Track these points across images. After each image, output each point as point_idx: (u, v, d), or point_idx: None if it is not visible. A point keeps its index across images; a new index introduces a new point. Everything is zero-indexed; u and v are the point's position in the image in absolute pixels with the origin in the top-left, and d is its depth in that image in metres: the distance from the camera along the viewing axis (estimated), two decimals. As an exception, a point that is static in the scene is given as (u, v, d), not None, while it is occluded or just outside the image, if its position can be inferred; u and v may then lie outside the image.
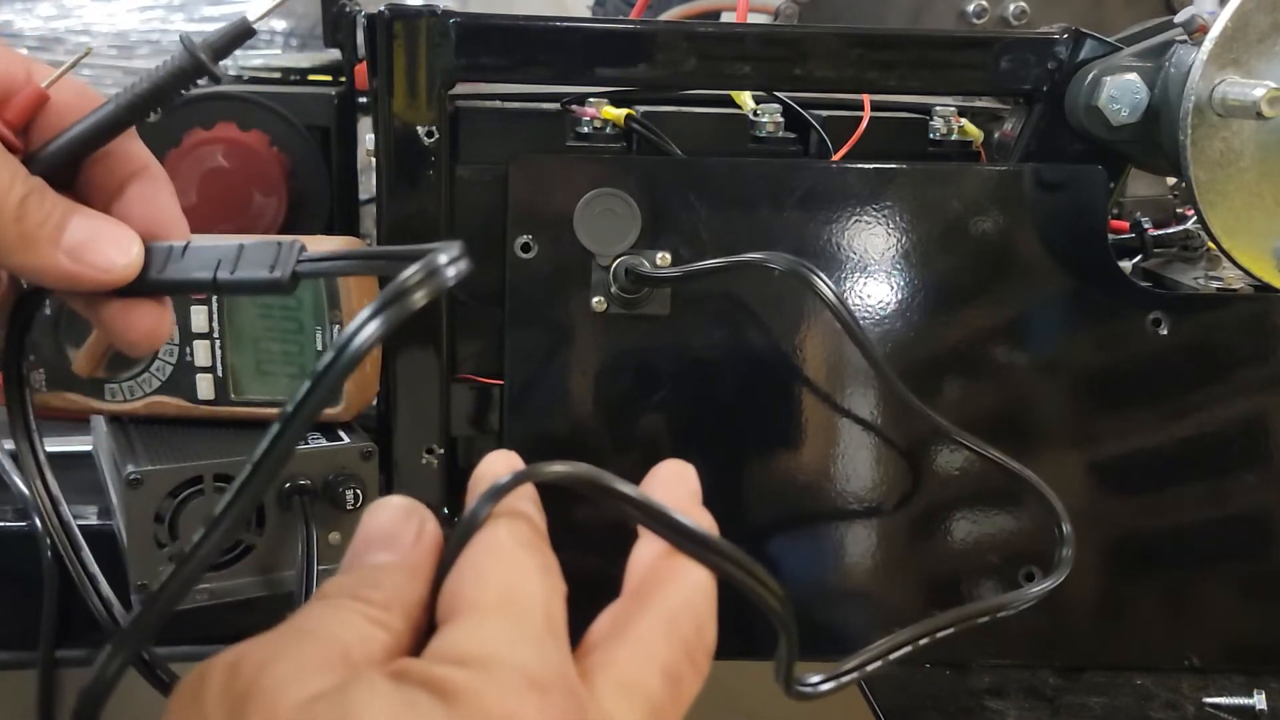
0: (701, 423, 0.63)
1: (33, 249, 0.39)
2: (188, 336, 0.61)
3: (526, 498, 0.34)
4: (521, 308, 0.62)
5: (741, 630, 0.65)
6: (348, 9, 0.70)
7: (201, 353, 0.61)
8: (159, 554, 0.58)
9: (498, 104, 0.65)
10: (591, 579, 0.36)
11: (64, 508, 0.47)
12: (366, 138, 0.71)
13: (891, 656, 0.46)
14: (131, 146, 0.43)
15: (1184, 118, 0.57)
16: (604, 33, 0.62)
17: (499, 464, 0.37)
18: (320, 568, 0.59)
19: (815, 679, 0.40)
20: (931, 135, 0.66)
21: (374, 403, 0.65)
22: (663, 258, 0.61)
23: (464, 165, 0.62)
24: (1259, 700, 0.64)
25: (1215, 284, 0.67)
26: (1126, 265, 0.71)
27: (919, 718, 0.64)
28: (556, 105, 0.64)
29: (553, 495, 0.36)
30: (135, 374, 0.62)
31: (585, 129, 0.63)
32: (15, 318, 0.43)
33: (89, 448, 0.69)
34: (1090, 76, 0.61)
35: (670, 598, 0.33)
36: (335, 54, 0.77)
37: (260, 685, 0.27)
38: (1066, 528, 0.58)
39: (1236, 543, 0.65)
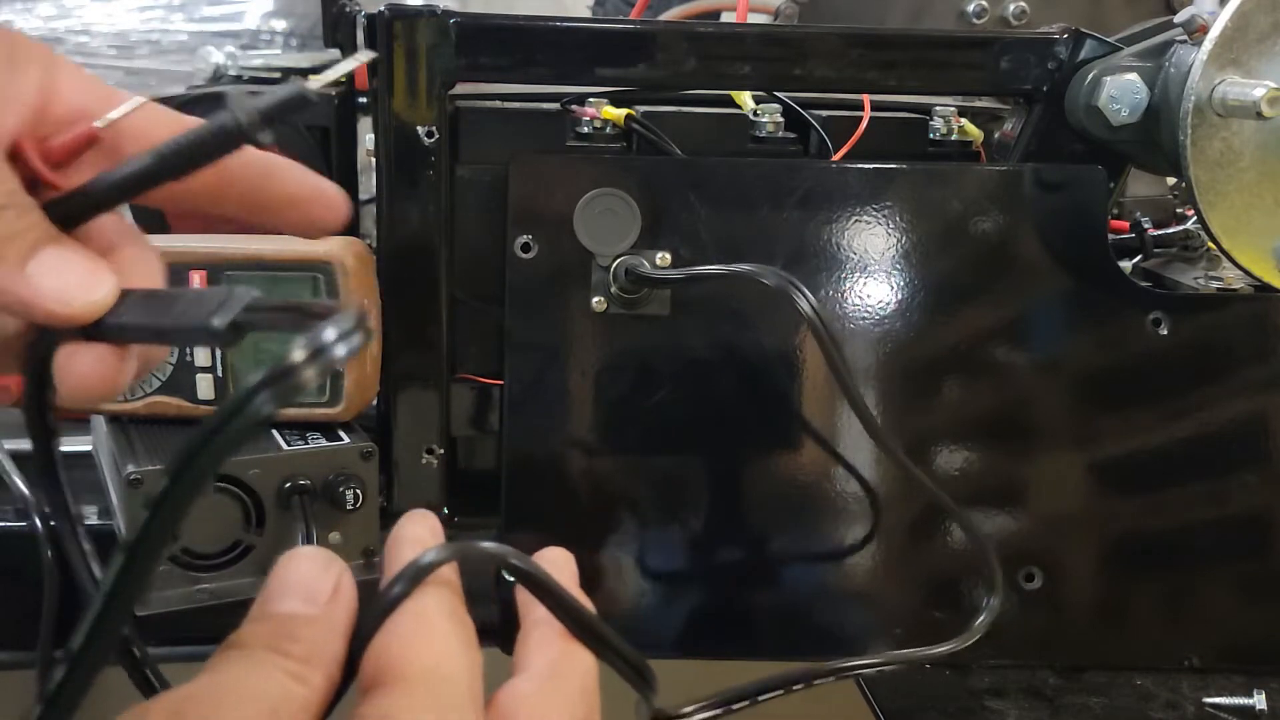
0: (701, 423, 0.63)
1: None
2: (188, 336, 0.61)
3: (450, 564, 0.34)
4: (521, 308, 0.62)
5: (741, 631, 0.66)
6: (348, 9, 0.70)
7: (201, 353, 0.61)
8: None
9: (498, 104, 0.65)
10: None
11: (94, 565, 0.44)
12: (366, 138, 0.71)
13: (735, 707, 0.47)
14: (116, 228, 0.41)
15: (1184, 118, 0.57)
16: (604, 33, 0.62)
17: (419, 527, 0.37)
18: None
19: None
20: (931, 135, 0.66)
21: (374, 403, 0.65)
22: (663, 258, 0.61)
23: (464, 165, 0.62)
24: (1259, 700, 0.64)
25: (1215, 284, 0.67)
26: (1126, 265, 0.71)
27: (919, 718, 0.64)
28: (556, 105, 0.64)
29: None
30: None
31: (585, 129, 0.63)
32: (35, 350, 0.40)
33: (89, 448, 0.69)
34: (1090, 76, 0.61)
35: (572, 681, 0.34)
36: (335, 54, 0.77)
37: None
38: (996, 578, 0.60)
39: (1236, 543, 0.65)
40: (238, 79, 0.80)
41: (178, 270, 0.59)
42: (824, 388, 0.63)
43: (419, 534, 0.36)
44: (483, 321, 0.64)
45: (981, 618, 0.59)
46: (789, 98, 0.66)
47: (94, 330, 0.36)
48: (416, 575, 0.32)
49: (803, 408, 0.63)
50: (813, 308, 0.55)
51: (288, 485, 0.59)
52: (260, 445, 0.59)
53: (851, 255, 0.62)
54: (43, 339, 0.38)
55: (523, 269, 0.62)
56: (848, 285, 0.63)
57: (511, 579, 0.35)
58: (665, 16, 0.90)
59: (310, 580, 0.32)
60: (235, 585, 0.59)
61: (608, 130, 0.63)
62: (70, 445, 0.72)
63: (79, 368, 0.37)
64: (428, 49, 0.59)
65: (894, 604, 0.65)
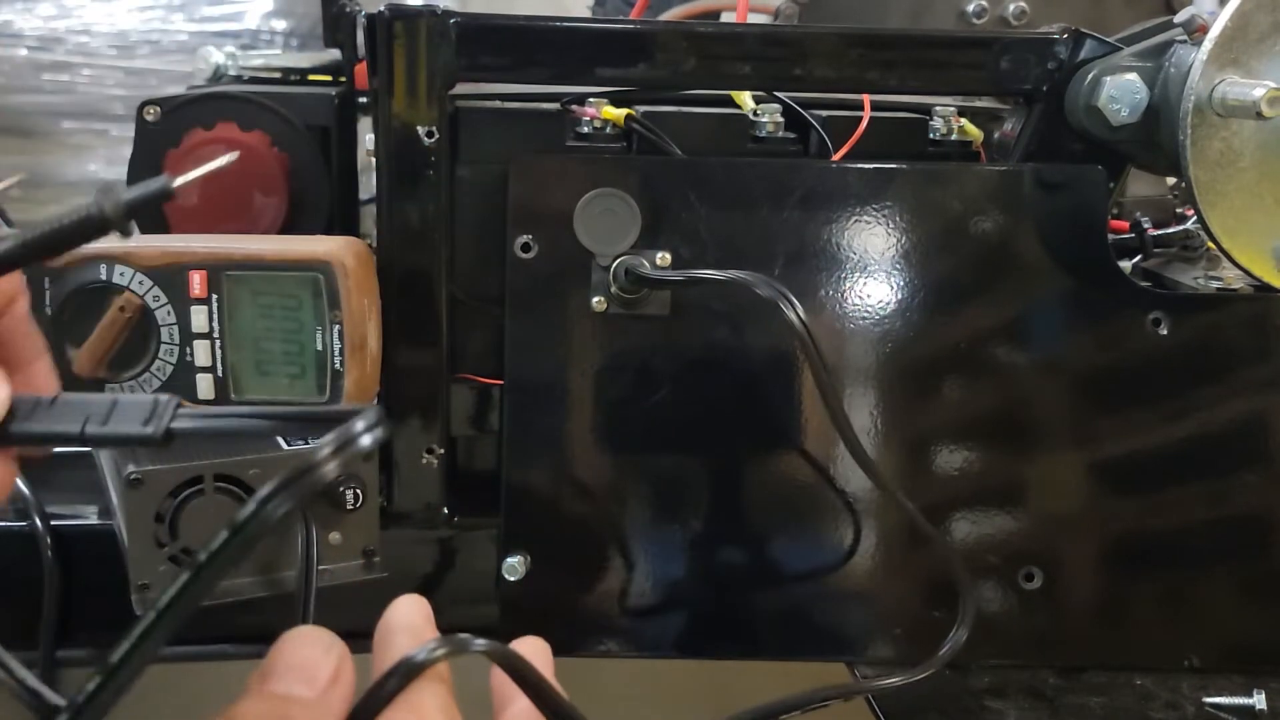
0: (700, 423, 0.63)
1: None
2: (188, 336, 0.61)
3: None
4: (521, 308, 0.62)
5: (741, 631, 0.66)
6: (348, 9, 0.70)
7: (201, 353, 0.61)
8: (159, 554, 0.58)
9: (498, 104, 0.65)
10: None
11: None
12: (366, 138, 0.71)
13: None
14: (25, 344, 0.42)
15: (1184, 118, 0.57)
16: (604, 33, 0.62)
17: (413, 614, 0.37)
18: (320, 567, 0.59)
19: None
20: (931, 135, 0.66)
21: (374, 403, 0.65)
22: (663, 258, 0.61)
23: (464, 165, 0.62)
24: (1259, 700, 0.64)
25: (1215, 284, 0.67)
26: (1126, 265, 0.71)
27: (919, 718, 0.64)
28: (556, 105, 0.64)
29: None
30: (136, 374, 0.62)
31: (585, 129, 0.63)
32: None
33: (89, 448, 0.69)
34: (1090, 76, 0.61)
35: None
36: (335, 54, 0.77)
37: None
38: (968, 608, 0.60)
39: (1236, 543, 0.65)
40: (238, 79, 0.80)
41: (178, 270, 0.59)
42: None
43: (413, 622, 0.36)
44: (483, 321, 0.64)
45: (944, 649, 0.59)
46: (789, 98, 0.66)
47: (2, 436, 0.37)
48: (410, 671, 0.33)
49: (802, 408, 0.63)
50: (801, 320, 0.55)
51: (288, 485, 0.59)
52: (261, 445, 0.60)
53: (851, 255, 0.62)
54: None
55: (523, 269, 0.62)
56: (848, 285, 0.63)
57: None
58: (665, 16, 0.90)
59: (311, 663, 0.33)
60: (235, 585, 0.59)
61: (608, 130, 0.63)
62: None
63: None
64: (428, 49, 0.59)
65: (893, 604, 0.65)
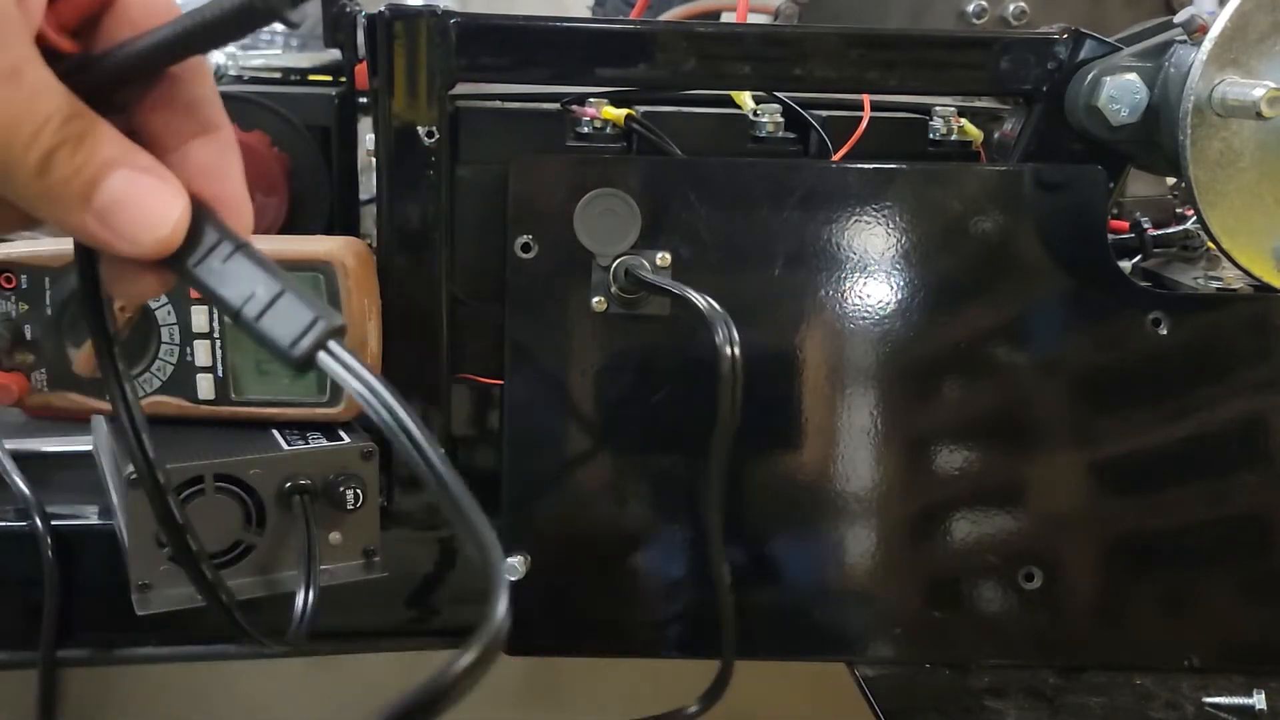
0: (701, 423, 0.63)
1: (55, 206, 0.32)
2: (188, 336, 0.61)
3: None
4: (521, 308, 0.62)
5: (742, 631, 0.65)
6: (348, 9, 0.70)
7: (202, 353, 0.61)
8: (159, 553, 0.58)
9: (498, 104, 0.65)
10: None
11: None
12: (367, 138, 0.71)
13: None
14: (201, 92, 0.35)
15: (1184, 118, 0.57)
16: (604, 33, 0.62)
17: None
18: (321, 567, 0.59)
19: None
20: (931, 135, 0.66)
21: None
22: (663, 258, 0.61)
23: (464, 165, 0.62)
24: (1259, 700, 0.64)
25: (1215, 284, 0.67)
26: (1126, 265, 0.71)
27: (919, 718, 0.64)
28: (556, 105, 0.64)
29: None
30: (136, 374, 0.62)
31: (585, 129, 0.63)
32: (82, 270, 0.37)
33: (89, 448, 0.69)
34: (1090, 76, 0.61)
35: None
36: (335, 54, 0.77)
37: None
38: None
39: (1236, 543, 0.65)
40: (238, 79, 0.81)
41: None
42: (824, 388, 0.63)
43: None
44: (483, 321, 0.64)
45: None
46: (789, 98, 0.66)
47: (170, 264, 0.34)
48: None
49: (802, 407, 0.63)
50: (733, 351, 0.54)
51: (288, 485, 0.59)
52: (261, 445, 0.60)
53: (851, 255, 0.62)
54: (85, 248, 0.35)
55: (523, 269, 0.62)
56: (848, 285, 0.63)
57: None
58: (665, 16, 0.90)
59: None
60: (236, 585, 0.59)
61: (608, 130, 0.63)
62: (70, 445, 0.72)
63: (134, 285, 0.35)
64: (428, 49, 0.59)
65: (894, 604, 0.65)
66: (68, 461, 0.71)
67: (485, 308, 0.63)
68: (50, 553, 0.64)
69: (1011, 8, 0.86)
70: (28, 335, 0.61)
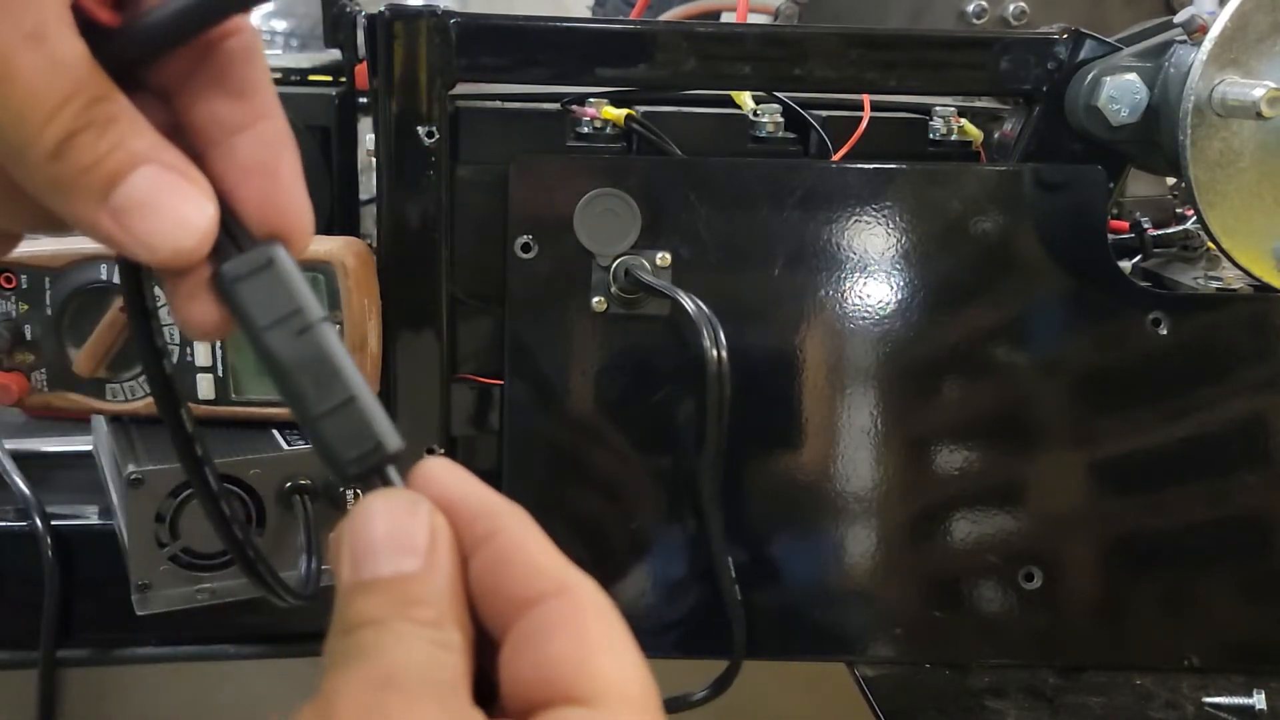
0: (701, 423, 0.63)
1: (67, 197, 0.28)
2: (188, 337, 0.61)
3: None
4: (521, 308, 0.62)
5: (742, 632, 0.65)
6: (348, 9, 0.70)
7: (202, 353, 0.61)
8: (159, 553, 0.58)
9: (498, 104, 0.65)
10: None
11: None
12: (367, 138, 0.71)
13: None
14: (251, 75, 0.30)
15: (1184, 118, 0.57)
16: (604, 33, 0.62)
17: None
18: (324, 567, 0.59)
19: None
20: (931, 135, 0.66)
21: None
22: (663, 258, 0.61)
23: (464, 165, 0.62)
24: (1259, 700, 0.64)
25: (1215, 284, 0.67)
26: (1126, 265, 0.71)
27: (919, 718, 0.64)
28: (556, 105, 0.64)
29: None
30: (136, 374, 0.62)
31: (585, 129, 0.63)
32: (124, 279, 0.33)
33: (89, 448, 0.69)
34: (1090, 76, 0.61)
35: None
36: (335, 54, 0.77)
37: None
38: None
39: (1236, 543, 0.65)
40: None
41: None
42: (824, 388, 0.63)
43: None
44: (483, 321, 0.64)
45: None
46: (789, 98, 0.66)
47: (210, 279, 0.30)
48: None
49: (802, 407, 0.63)
50: (719, 354, 0.54)
51: (288, 485, 0.59)
52: (261, 445, 0.60)
53: (851, 255, 0.62)
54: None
55: (523, 269, 0.62)
56: (848, 285, 0.63)
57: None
58: (665, 16, 0.90)
59: (400, 529, 0.28)
60: (235, 585, 0.59)
61: (608, 130, 0.63)
62: (70, 445, 0.72)
63: (196, 313, 0.31)
64: (428, 49, 0.59)
65: (894, 604, 0.65)
66: (68, 461, 0.71)
67: (485, 308, 0.63)
68: (50, 553, 0.64)
69: (1011, 8, 0.86)
70: (28, 335, 0.61)
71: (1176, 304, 0.64)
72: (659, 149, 0.63)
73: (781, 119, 0.64)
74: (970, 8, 0.86)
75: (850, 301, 0.63)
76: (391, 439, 0.30)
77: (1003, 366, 0.63)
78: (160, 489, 0.58)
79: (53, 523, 0.65)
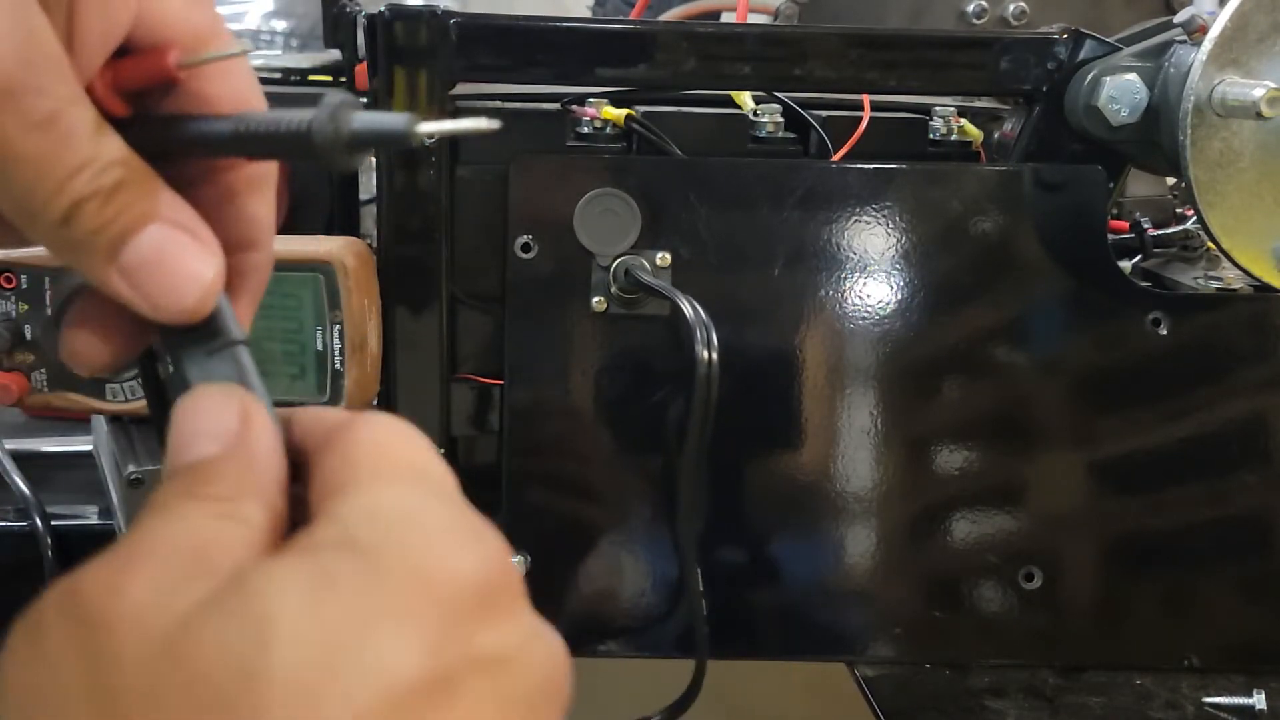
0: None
1: (77, 257, 0.29)
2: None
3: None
4: (521, 308, 0.62)
5: (742, 631, 0.66)
6: (348, 9, 0.70)
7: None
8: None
9: (498, 104, 0.65)
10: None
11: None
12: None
13: None
14: (253, 211, 0.33)
15: (1184, 118, 0.57)
16: (604, 33, 0.62)
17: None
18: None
19: None
20: (931, 135, 0.66)
21: (374, 402, 0.65)
22: (663, 258, 0.61)
23: (464, 165, 0.62)
24: (1259, 700, 0.64)
25: (1215, 284, 0.67)
26: (1126, 265, 0.71)
27: (919, 718, 0.64)
28: (556, 105, 0.64)
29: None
30: (136, 374, 0.62)
31: (585, 129, 0.63)
32: (143, 372, 0.34)
33: (89, 448, 0.69)
34: (1090, 76, 0.61)
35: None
36: (335, 54, 0.77)
37: (116, 613, 0.24)
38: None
39: (1236, 543, 0.65)
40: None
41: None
42: (824, 388, 0.63)
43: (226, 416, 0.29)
44: (483, 321, 0.64)
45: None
46: (789, 98, 0.66)
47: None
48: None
49: (803, 407, 0.63)
50: (709, 356, 0.54)
51: (288, 485, 0.59)
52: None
53: (851, 255, 0.62)
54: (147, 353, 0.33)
55: (523, 269, 0.62)
56: (848, 285, 0.63)
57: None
58: (665, 16, 0.90)
59: (212, 418, 0.28)
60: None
61: (608, 130, 0.63)
62: (70, 445, 0.72)
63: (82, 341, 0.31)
64: (428, 49, 0.59)
65: (894, 604, 0.65)
66: (68, 461, 0.71)
67: (485, 308, 0.63)
68: (50, 553, 0.64)
69: (1011, 8, 0.86)
70: (28, 335, 0.61)
71: (1176, 304, 0.64)
72: (659, 149, 0.63)
73: (781, 119, 0.64)
74: (970, 8, 0.86)
75: (850, 301, 0.63)
76: (237, 331, 0.31)
77: (1003, 366, 0.63)
78: None
79: (53, 523, 0.65)
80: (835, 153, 0.64)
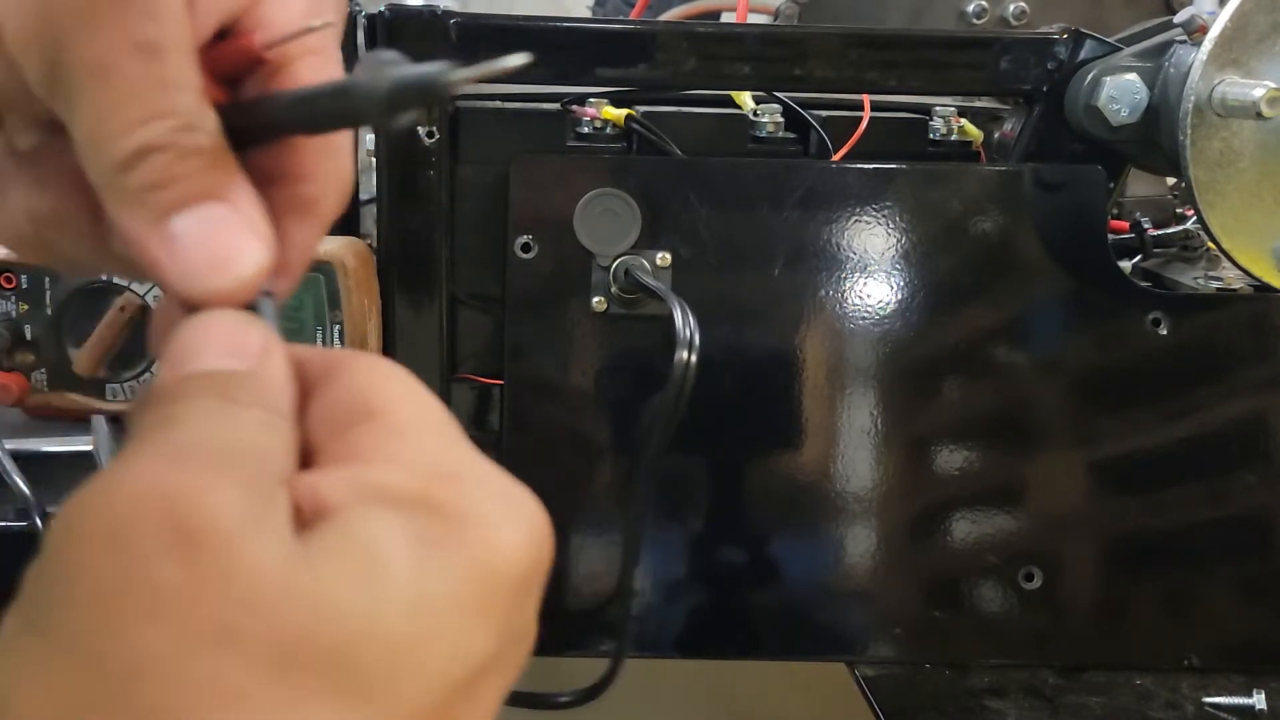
0: (701, 423, 0.63)
1: (122, 206, 0.26)
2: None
3: None
4: (521, 308, 0.62)
5: (741, 631, 0.66)
6: (348, 9, 0.70)
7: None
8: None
9: (498, 104, 0.65)
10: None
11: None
12: (367, 138, 0.71)
13: None
14: (314, 190, 0.30)
15: (1184, 118, 0.57)
16: (604, 33, 0.62)
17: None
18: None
19: None
20: (931, 135, 0.66)
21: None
22: (663, 258, 0.61)
23: (464, 165, 0.62)
24: (1259, 700, 0.64)
25: (1215, 284, 0.67)
26: (1126, 265, 0.71)
27: (919, 718, 0.64)
28: (556, 105, 0.64)
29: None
30: (136, 374, 0.62)
31: (585, 129, 0.63)
32: None
33: (89, 448, 0.69)
34: (1090, 76, 0.61)
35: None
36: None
37: (224, 534, 0.22)
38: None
39: (1236, 543, 0.65)
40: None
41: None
42: (824, 388, 0.63)
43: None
44: (483, 321, 0.64)
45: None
46: (789, 98, 0.66)
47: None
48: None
49: (803, 407, 0.63)
50: (689, 360, 0.54)
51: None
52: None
53: (851, 255, 0.62)
54: None
55: (523, 269, 0.62)
56: (848, 285, 0.63)
57: None
58: (665, 16, 0.90)
59: (237, 337, 0.26)
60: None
61: (608, 130, 0.63)
62: (70, 445, 0.72)
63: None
64: (427, 49, 0.59)
65: (894, 604, 0.65)
66: (68, 461, 0.71)
67: (485, 308, 0.63)
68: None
69: (1011, 8, 0.86)
70: (28, 335, 0.61)
71: (1176, 304, 0.64)
72: (659, 149, 0.63)
73: (781, 119, 0.65)
74: (970, 8, 0.86)
75: (850, 301, 0.63)
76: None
77: (1003, 366, 0.63)
78: None
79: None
80: (835, 153, 0.64)
